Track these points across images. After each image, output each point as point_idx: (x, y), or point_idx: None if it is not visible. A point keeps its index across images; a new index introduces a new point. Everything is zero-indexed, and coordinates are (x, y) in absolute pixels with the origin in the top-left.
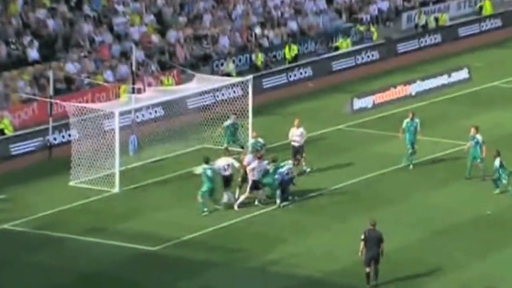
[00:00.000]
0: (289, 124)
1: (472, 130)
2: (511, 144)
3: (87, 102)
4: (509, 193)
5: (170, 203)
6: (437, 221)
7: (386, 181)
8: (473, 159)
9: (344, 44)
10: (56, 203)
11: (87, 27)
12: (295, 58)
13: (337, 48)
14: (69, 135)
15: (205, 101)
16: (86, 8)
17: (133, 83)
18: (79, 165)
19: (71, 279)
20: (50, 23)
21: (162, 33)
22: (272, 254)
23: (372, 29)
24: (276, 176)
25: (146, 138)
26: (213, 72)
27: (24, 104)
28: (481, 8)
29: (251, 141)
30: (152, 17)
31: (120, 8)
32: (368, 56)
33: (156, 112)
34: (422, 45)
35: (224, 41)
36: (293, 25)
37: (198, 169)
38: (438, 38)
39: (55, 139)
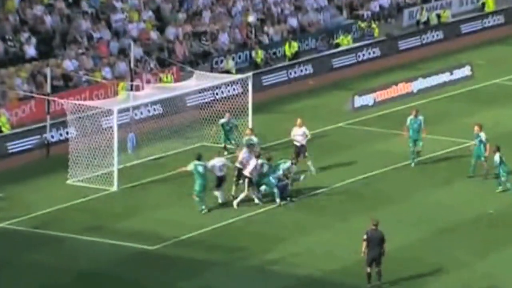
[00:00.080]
0: (289, 122)
1: (476, 128)
2: None
3: (85, 99)
4: (509, 191)
5: (169, 201)
6: (439, 220)
7: (387, 180)
8: (477, 158)
9: (345, 41)
10: (54, 201)
11: (85, 24)
12: (296, 55)
13: (338, 45)
14: (67, 133)
15: (205, 99)
16: (84, 5)
17: (132, 80)
18: (77, 163)
19: (69, 278)
20: (48, 19)
21: (161, 30)
22: (272, 253)
23: (373, 25)
24: (273, 181)
25: (145, 136)
26: (212, 69)
27: (21, 101)
28: (483, 4)
29: (245, 138)
30: (150, 13)
31: (118, 4)
32: (369, 53)
33: (154, 109)
34: (424, 42)
35: (223, 38)
36: (293, 22)
37: (190, 166)
38: (440, 35)
39: (52, 137)
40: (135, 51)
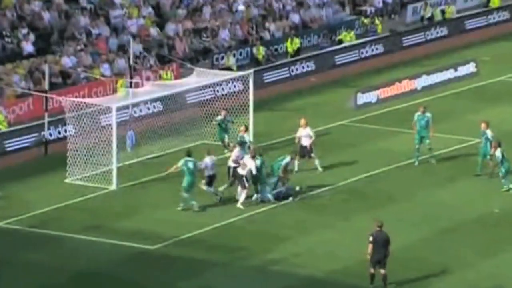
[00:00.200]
0: (291, 120)
1: (483, 125)
2: None
3: (83, 96)
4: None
5: (169, 200)
6: (443, 220)
7: (390, 179)
8: (484, 156)
9: (348, 37)
10: (52, 200)
11: (83, 20)
12: (297, 52)
13: (340, 41)
14: (65, 131)
15: (205, 96)
16: (83, 0)
17: (131, 77)
18: (75, 161)
19: (67, 278)
20: (46, 15)
21: (161, 26)
22: (273, 253)
23: (377, 21)
24: (268, 196)
25: (144, 134)
26: (213, 66)
27: (19, 99)
28: (488, 0)
29: (238, 135)
30: (150, 9)
31: (117, 0)
32: (373, 50)
33: (154, 107)
34: (428, 38)
35: (224, 34)
36: (295, 18)
37: (180, 162)
38: (444, 31)
39: (50, 134)
40: (135, 48)
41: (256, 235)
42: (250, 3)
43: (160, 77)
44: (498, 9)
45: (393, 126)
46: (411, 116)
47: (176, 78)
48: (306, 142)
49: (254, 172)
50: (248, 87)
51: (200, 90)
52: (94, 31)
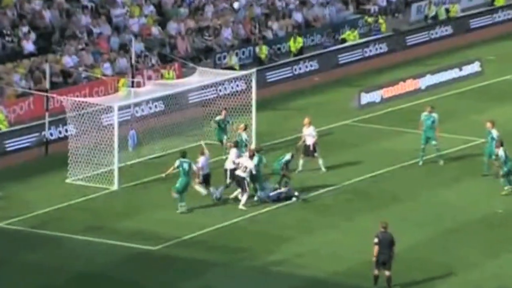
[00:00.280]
0: (294, 119)
1: (488, 125)
2: None
3: (84, 96)
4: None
5: (170, 201)
6: (447, 220)
7: (394, 179)
8: (489, 156)
9: (351, 36)
10: (53, 200)
11: (84, 19)
12: (300, 51)
13: (344, 41)
14: (66, 131)
15: (207, 95)
16: None
17: (133, 77)
18: (76, 161)
19: (68, 278)
20: (47, 14)
21: (163, 25)
22: (275, 254)
23: (380, 20)
24: (263, 196)
25: (146, 134)
26: (215, 65)
27: (20, 98)
28: None
29: (237, 133)
30: (152, 8)
31: None
32: (376, 49)
33: (156, 106)
34: (432, 37)
35: (226, 33)
36: (298, 17)
37: (176, 163)
38: (448, 30)
39: (51, 134)
40: (136, 47)
41: (259, 235)
42: (252, 2)
43: (162, 77)
44: (503, 8)
45: (397, 126)
46: (416, 116)
47: (178, 77)
48: (309, 141)
49: (254, 172)
50: (251, 87)
51: (202, 89)
52: (96, 30)
